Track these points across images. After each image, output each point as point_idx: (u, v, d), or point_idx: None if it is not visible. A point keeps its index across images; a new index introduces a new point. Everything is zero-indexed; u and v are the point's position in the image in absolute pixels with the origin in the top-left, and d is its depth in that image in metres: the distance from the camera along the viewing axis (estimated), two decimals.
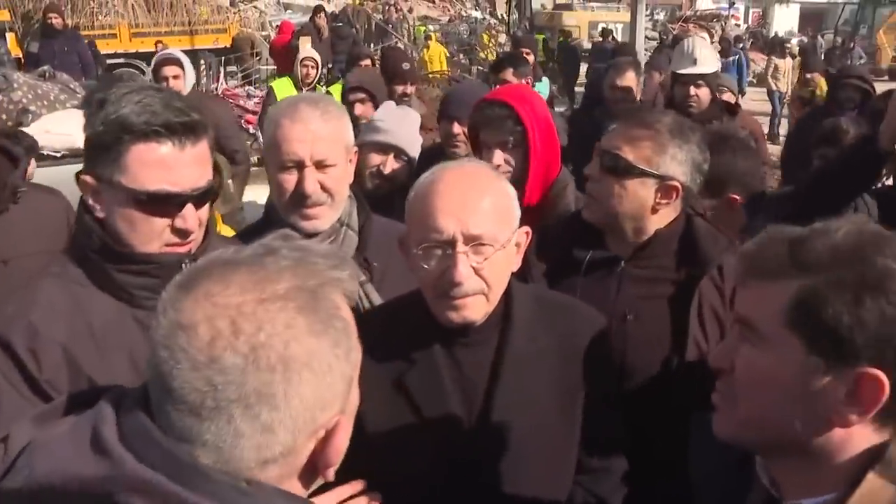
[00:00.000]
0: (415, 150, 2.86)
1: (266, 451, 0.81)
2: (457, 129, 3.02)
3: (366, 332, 1.63)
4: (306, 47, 6.91)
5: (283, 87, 6.26)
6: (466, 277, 1.44)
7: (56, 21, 10.39)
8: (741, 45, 18.72)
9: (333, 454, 0.87)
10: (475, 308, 1.49)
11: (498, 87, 3.78)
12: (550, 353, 1.58)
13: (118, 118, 1.44)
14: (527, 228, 1.57)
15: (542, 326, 1.59)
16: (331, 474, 0.90)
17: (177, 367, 0.79)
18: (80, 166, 1.55)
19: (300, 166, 1.83)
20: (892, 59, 21.64)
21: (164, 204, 1.48)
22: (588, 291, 1.86)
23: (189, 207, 1.50)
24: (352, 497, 1.46)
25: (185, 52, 16.56)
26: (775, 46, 16.48)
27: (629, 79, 4.58)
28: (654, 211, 1.89)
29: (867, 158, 2.41)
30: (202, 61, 14.89)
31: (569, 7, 26.34)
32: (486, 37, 19.30)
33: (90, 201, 1.51)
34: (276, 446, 0.81)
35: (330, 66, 13.79)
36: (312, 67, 6.14)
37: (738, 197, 2.38)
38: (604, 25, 19.50)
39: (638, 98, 4.65)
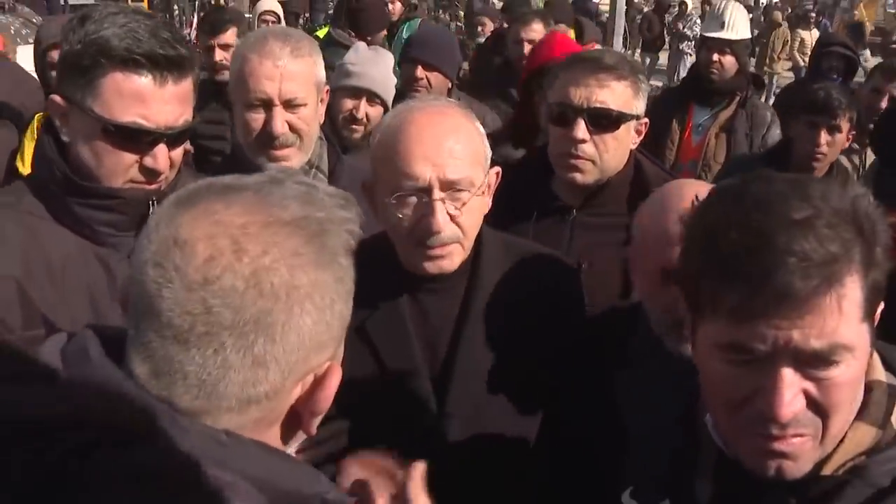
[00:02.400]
0: (389, 93, 2.75)
1: (251, 388, 0.75)
2: (420, 72, 2.93)
3: None
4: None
5: None
6: (444, 225, 1.39)
7: None
8: None
9: (322, 401, 0.81)
10: (452, 258, 1.45)
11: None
12: (519, 301, 1.55)
13: (98, 39, 1.35)
14: (497, 168, 1.53)
15: (511, 274, 1.56)
16: (313, 427, 0.83)
17: (167, 286, 0.72)
18: None
19: (268, 105, 1.76)
20: (871, 32, 21.71)
21: (135, 139, 1.40)
22: (539, 241, 1.82)
23: (161, 147, 1.42)
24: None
25: None
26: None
27: (535, 31, 4.00)
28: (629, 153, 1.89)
29: None
30: (175, 6, 14.41)
31: None
32: None
33: (57, 122, 1.43)
34: (263, 384, 0.75)
35: (307, 14, 13.42)
36: (274, 22, 5.85)
37: None
38: None
39: None
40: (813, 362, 0.87)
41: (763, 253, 0.84)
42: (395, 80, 2.83)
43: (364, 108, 2.67)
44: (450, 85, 3.22)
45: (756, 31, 14.02)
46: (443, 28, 4.33)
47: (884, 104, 3.36)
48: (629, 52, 14.33)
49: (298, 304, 0.75)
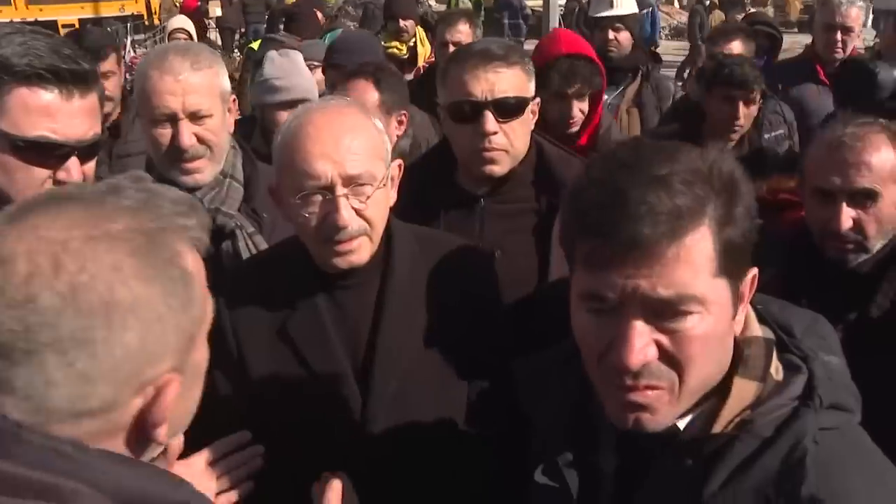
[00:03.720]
0: (314, 92, 2.80)
1: (81, 403, 0.75)
2: None
3: (246, 281, 1.65)
4: (180, 17, 6.41)
5: None
6: (349, 220, 1.42)
7: None
8: None
9: (159, 414, 0.80)
10: (360, 251, 1.48)
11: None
12: (433, 291, 1.58)
13: None
14: (399, 161, 1.56)
15: (424, 264, 1.60)
16: (161, 435, 0.82)
17: None
18: None
19: (173, 119, 1.77)
20: (801, 11, 22.35)
21: (46, 153, 1.40)
22: (450, 232, 1.83)
23: (73, 160, 1.43)
24: (233, 452, 1.45)
25: (88, 20, 15.67)
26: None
27: (461, 32, 3.83)
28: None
29: None
30: (108, 30, 14.19)
31: None
32: None
33: None
34: (93, 399, 0.75)
35: (242, 30, 13.32)
36: (185, 38, 5.82)
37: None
38: None
39: None
40: (662, 312, 0.89)
41: (617, 206, 0.88)
42: (313, 79, 2.89)
43: None
44: None
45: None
46: (366, 33, 4.34)
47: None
48: None
49: (120, 320, 0.75)
